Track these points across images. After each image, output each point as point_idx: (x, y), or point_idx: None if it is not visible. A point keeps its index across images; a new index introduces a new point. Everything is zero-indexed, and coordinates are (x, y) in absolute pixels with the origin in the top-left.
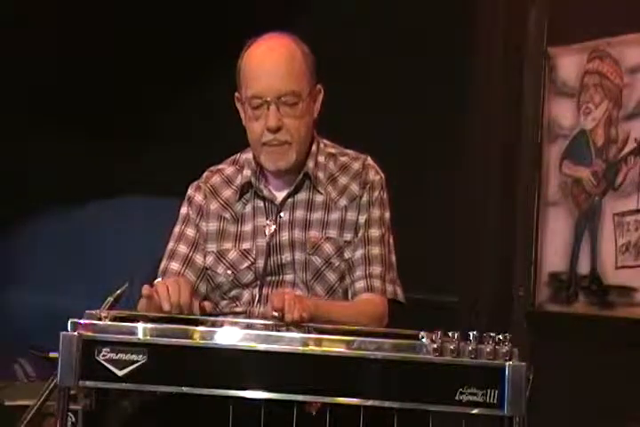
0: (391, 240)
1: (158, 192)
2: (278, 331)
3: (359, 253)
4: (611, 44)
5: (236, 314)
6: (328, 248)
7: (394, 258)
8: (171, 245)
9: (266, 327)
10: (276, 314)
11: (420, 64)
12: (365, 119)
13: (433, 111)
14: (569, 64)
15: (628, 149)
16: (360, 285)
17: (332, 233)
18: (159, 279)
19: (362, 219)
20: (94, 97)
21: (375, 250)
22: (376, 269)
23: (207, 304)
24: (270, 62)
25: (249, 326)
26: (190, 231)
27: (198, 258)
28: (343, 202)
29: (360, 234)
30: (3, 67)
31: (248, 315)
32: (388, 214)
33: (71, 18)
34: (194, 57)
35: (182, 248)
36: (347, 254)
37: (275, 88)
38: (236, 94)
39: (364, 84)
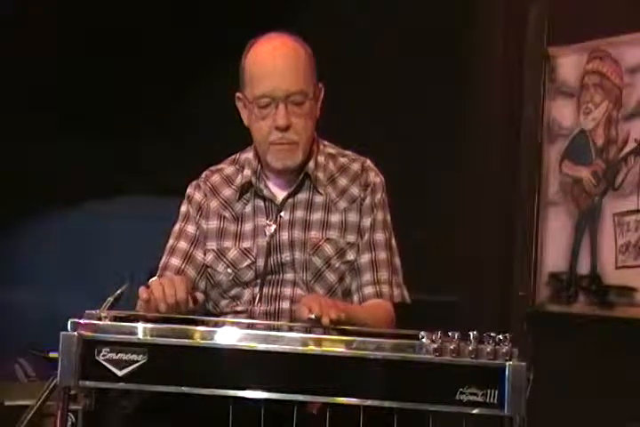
0: (394, 242)
1: (158, 192)
2: (278, 331)
3: (366, 257)
4: (611, 44)
5: (237, 313)
6: (328, 249)
7: (398, 260)
8: (171, 241)
9: (266, 327)
10: (312, 316)
11: (420, 64)
12: (365, 119)
13: (433, 111)
14: (569, 64)
15: (628, 148)
16: (369, 290)
17: (333, 235)
18: (154, 278)
19: (366, 222)
20: (94, 97)
21: (382, 255)
22: (384, 275)
23: (198, 295)
24: (278, 61)
25: (250, 326)
26: (191, 228)
27: (199, 255)
28: (343, 204)
29: (366, 238)
30: (3, 67)
31: (249, 314)
32: (389, 216)
33: (71, 18)
34: (194, 57)
35: (183, 244)
36: (349, 256)
37: (283, 87)
38: (238, 95)
39: (364, 84)
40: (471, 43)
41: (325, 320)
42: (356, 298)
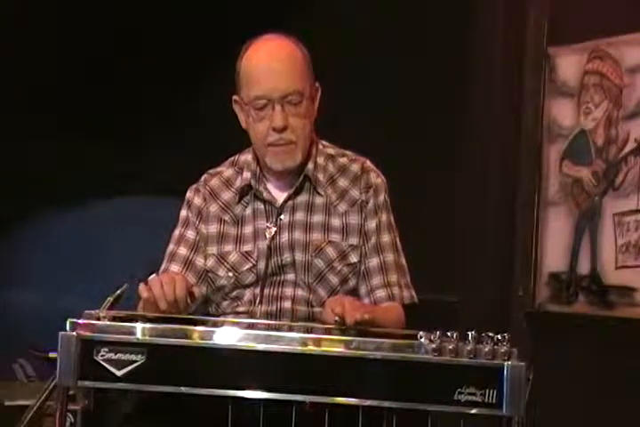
0: (399, 242)
1: (158, 192)
2: (278, 331)
3: (375, 261)
4: (611, 44)
5: (238, 314)
6: (331, 252)
7: (404, 261)
8: (171, 247)
9: (266, 327)
10: (337, 318)
11: (420, 64)
12: (365, 119)
13: (433, 111)
14: (569, 64)
15: (628, 148)
16: (381, 294)
17: (335, 237)
18: (153, 276)
19: (371, 225)
20: (94, 97)
21: (389, 257)
22: (393, 277)
23: (195, 289)
24: (273, 63)
25: (250, 326)
26: (190, 234)
27: (199, 260)
28: (343, 207)
29: (372, 241)
30: (3, 67)
31: (250, 315)
32: (392, 217)
33: (71, 18)
34: (194, 57)
35: (182, 250)
36: (352, 259)
37: (280, 88)
38: (235, 97)
39: (364, 84)
40: (471, 43)
41: (350, 320)
42: (367, 301)
